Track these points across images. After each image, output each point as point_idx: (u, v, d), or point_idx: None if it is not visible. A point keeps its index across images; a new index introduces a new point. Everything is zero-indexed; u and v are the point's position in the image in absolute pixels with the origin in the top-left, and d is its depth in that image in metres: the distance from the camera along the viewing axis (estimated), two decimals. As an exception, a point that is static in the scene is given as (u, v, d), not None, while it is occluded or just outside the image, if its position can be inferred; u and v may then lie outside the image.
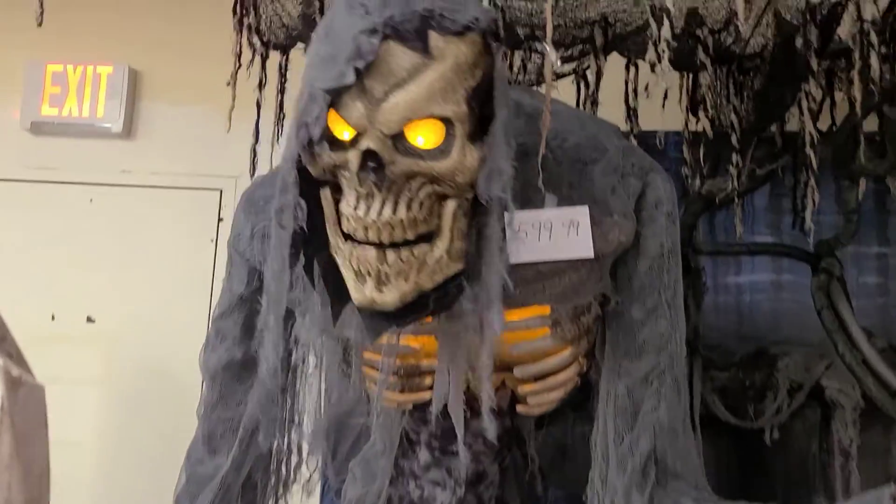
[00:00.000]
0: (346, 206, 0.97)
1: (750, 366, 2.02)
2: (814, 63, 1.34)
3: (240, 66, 1.57)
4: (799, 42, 1.36)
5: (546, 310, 1.39)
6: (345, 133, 0.95)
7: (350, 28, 0.92)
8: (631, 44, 1.57)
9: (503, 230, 0.99)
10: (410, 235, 0.96)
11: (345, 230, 0.98)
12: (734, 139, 1.62)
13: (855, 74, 1.24)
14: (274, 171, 1.44)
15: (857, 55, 1.22)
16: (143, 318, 3.11)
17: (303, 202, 0.97)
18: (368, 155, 0.93)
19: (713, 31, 1.41)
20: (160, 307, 3.11)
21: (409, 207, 0.95)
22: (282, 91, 1.94)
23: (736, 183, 1.72)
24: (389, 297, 0.96)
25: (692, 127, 2.02)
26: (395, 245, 0.95)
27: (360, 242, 0.97)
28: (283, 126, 1.93)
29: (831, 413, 1.79)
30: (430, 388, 1.26)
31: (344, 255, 1.00)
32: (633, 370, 1.35)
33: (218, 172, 3.08)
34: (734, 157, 1.69)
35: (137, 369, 3.10)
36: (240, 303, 1.45)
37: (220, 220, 3.15)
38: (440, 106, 0.93)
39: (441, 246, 0.98)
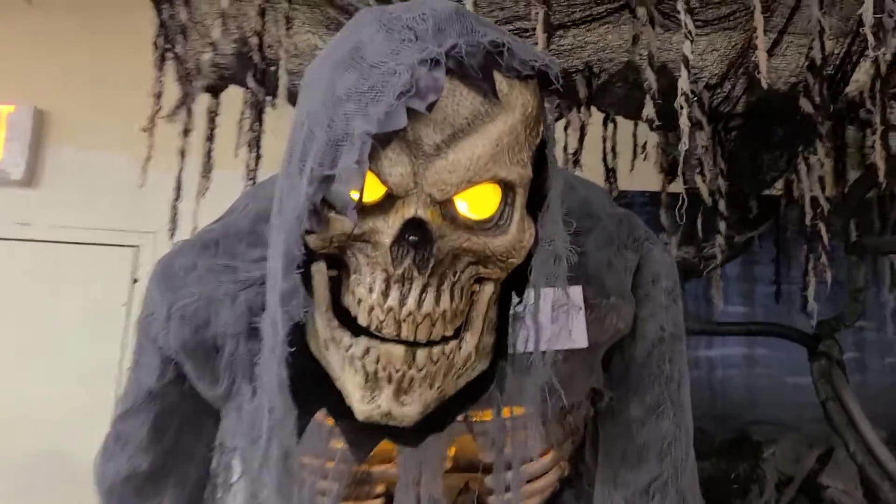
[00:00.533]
0: (368, 291, 0.78)
1: (732, 454, 1.87)
2: (821, 126, 1.23)
3: (160, 108, 1.35)
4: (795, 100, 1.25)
5: (523, 410, 1.19)
6: (371, 194, 0.77)
7: (395, 55, 0.73)
8: (610, 96, 1.44)
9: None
10: (450, 331, 0.79)
11: (363, 323, 0.78)
12: (721, 204, 1.49)
13: (877, 139, 1.13)
14: (202, 233, 1.21)
15: (877, 118, 1.11)
16: (41, 396, 2.82)
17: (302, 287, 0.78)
18: (411, 226, 0.74)
19: (708, 87, 1.29)
20: (61, 383, 2.82)
21: (452, 296, 0.77)
22: (210, 138, 1.73)
23: (719, 251, 1.59)
24: (411, 410, 0.78)
25: (666, 188, 1.89)
26: (429, 343, 0.78)
27: (383, 339, 0.77)
28: (209, 178, 1.71)
29: (831, 515, 1.64)
30: (379, 496, 1.12)
31: (351, 355, 0.80)
32: (631, 480, 1.18)
33: (133, 227, 2.87)
34: (719, 224, 1.56)
35: (33, 454, 2.80)
36: (148, 399, 1.20)
37: (134, 281, 2.92)
38: (506, 167, 0.76)
39: (471, 341, 0.81)
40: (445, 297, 0.77)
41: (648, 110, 1.04)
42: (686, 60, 0.96)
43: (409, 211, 0.74)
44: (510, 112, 0.75)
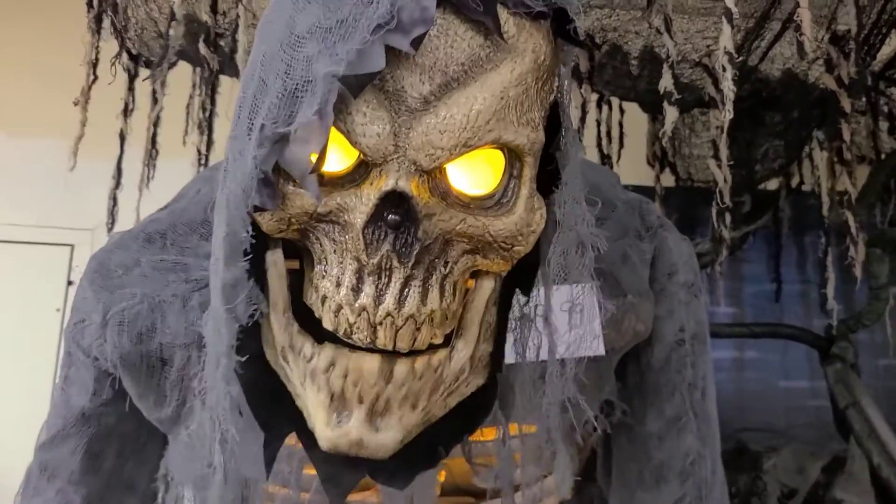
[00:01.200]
0: (335, 286, 0.62)
1: (731, 466, 1.77)
2: (845, 103, 1.13)
3: (96, 78, 1.19)
4: (813, 75, 1.15)
5: (531, 428, 1.08)
6: (340, 162, 0.61)
7: None
8: (609, 75, 1.33)
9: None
10: (438, 337, 0.64)
11: (328, 326, 0.63)
12: (722, 195, 1.39)
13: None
14: (146, 224, 1.05)
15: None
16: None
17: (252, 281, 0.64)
18: (390, 201, 0.59)
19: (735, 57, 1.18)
20: (-14, 395, 2.68)
21: (442, 293, 0.62)
22: (156, 123, 1.56)
23: (720, 246, 1.49)
24: (387, 437, 0.64)
25: (659, 181, 1.80)
26: (412, 352, 0.63)
27: (353, 347, 0.63)
28: (154, 166, 1.54)
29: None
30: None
31: (313, 368, 0.65)
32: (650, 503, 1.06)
33: (68, 224, 2.70)
34: (721, 217, 1.46)
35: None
36: (80, 422, 1.06)
37: (69, 283, 2.77)
38: (512, 128, 0.61)
39: (464, 350, 0.66)
40: (434, 294, 0.62)
41: (666, 81, 0.92)
42: (729, 13, 0.84)
43: (387, 182, 0.59)
44: (518, 58, 0.62)
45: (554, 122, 0.69)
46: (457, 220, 0.62)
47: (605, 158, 1.62)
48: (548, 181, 0.69)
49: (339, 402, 0.64)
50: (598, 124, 1.64)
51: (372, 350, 0.62)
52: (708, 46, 1.48)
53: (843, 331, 1.57)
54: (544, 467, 1.06)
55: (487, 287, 0.67)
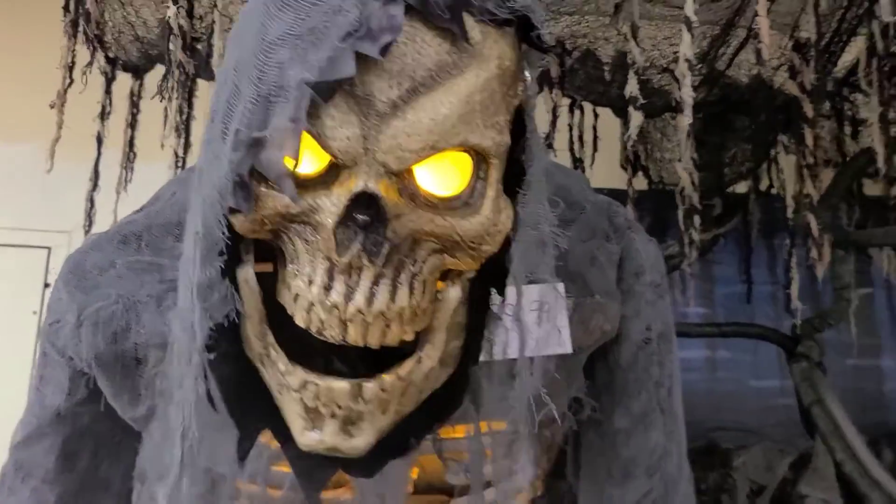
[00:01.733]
0: (307, 284, 0.64)
1: (701, 463, 1.80)
2: (808, 108, 1.16)
3: (71, 81, 1.19)
4: (778, 81, 1.18)
5: (500, 425, 1.09)
6: (312, 164, 0.63)
7: None
8: (581, 80, 1.35)
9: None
10: (409, 334, 0.67)
11: (300, 323, 0.65)
12: (693, 199, 1.42)
13: (875, 122, 1.06)
14: (122, 226, 1.06)
15: (874, 98, 1.05)
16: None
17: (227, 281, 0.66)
18: (360, 202, 0.61)
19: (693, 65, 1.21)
20: (-39, 398, 2.61)
21: (412, 290, 0.64)
22: (132, 125, 1.56)
23: (689, 249, 1.51)
24: (361, 441, 0.67)
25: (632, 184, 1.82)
26: (382, 357, 0.66)
27: (324, 371, 0.66)
28: (131, 169, 1.54)
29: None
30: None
31: (287, 384, 0.67)
32: (617, 498, 1.08)
33: (45, 226, 2.67)
34: (689, 220, 1.48)
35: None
36: (56, 421, 1.06)
37: (46, 286, 2.72)
38: (478, 131, 0.63)
39: (433, 355, 0.69)
40: (403, 292, 0.64)
41: (632, 86, 0.94)
42: (689, 22, 0.87)
43: (357, 184, 0.61)
44: (484, 64, 0.63)
45: (520, 125, 0.71)
46: (425, 221, 0.64)
47: (578, 162, 1.64)
48: (515, 183, 0.72)
49: (314, 415, 0.66)
50: (571, 129, 1.66)
51: (340, 374, 0.65)
52: (675, 52, 1.51)
53: (809, 330, 1.60)
54: (515, 464, 1.08)
55: (455, 294, 0.69)
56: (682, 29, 1.28)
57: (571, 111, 1.67)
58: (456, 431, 0.98)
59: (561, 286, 0.97)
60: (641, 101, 0.97)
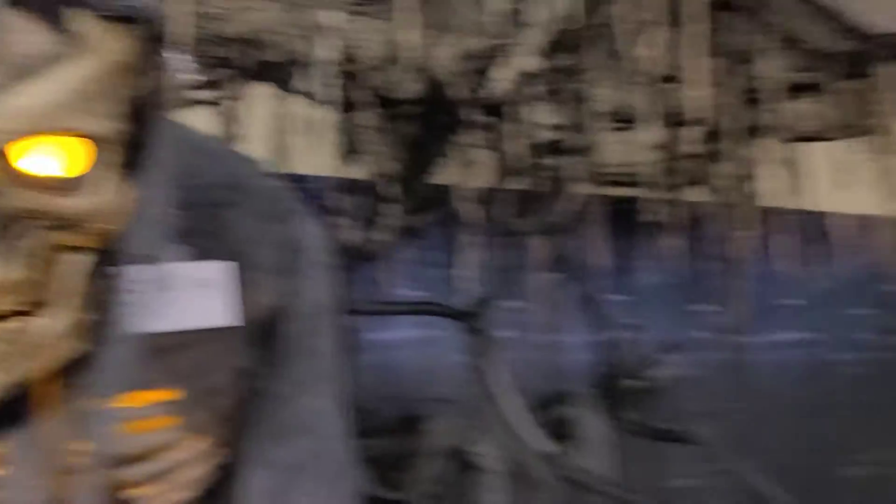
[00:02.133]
0: None
1: (399, 432, 1.98)
2: (466, 114, 1.33)
3: None
4: (452, 91, 1.34)
5: (173, 394, 1.13)
6: None
7: None
8: (282, 73, 1.43)
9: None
10: (20, 304, 0.70)
11: None
12: (396, 189, 1.56)
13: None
14: None
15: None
16: None
17: None
18: None
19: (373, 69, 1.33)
20: None
21: (18, 264, 0.68)
22: None
23: (390, 235, 1.66)
24: None
25: (346, 174, 1.94)
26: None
27: None
28: None
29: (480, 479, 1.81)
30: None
31: None
32: (276, 458, 1.17)
33: None
34: (390, 208, 1.63)
35: None
36: None
37: None
38: (86, 119, 0.68)
39: (55, 316, 0.73)
40: (10, 266, 0.68)
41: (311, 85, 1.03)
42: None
43: None
44: (91, 55, 0.69)
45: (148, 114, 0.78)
46: (26, 199, 0.68)
47: (284, 150, 1.71)
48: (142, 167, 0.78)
49: None
50: (278, 118, 1.72)
51: None
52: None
53: (478, 306, 1.82)
54: (175, 434, 1.12)
55: (76, 260, 0.73)
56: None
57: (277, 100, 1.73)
58: (129, 400, 1.01)
59: (216, 265, 1.05)
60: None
